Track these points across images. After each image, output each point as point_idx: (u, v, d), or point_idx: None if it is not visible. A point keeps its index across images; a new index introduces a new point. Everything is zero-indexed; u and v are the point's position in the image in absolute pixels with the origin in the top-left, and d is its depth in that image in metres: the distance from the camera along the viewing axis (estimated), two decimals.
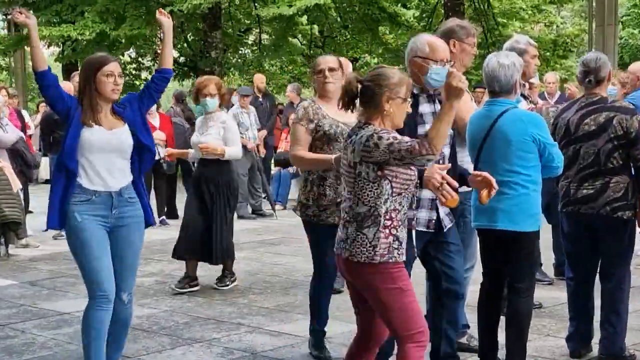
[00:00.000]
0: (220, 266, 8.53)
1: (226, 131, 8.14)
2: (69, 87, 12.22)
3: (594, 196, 5.63)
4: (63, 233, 11.49)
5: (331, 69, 5.84)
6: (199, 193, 8.29)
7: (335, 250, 4.15)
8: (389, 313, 4.04)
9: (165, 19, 5.48)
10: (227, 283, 8.42)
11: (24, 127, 13.30)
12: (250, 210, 14.35)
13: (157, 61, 13.16)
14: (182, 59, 24.27)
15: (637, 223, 5.75)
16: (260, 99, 15.21)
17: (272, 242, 11.64)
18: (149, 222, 5.42)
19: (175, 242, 8.46)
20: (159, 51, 24.27)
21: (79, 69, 5.17)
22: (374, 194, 3.92)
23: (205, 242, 8.19)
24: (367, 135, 3.86)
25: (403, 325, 4.01)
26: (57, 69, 29.47)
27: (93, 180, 5.00)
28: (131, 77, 25.36)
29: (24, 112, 15.09)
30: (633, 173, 5.66)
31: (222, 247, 8.21)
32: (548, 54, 19.23)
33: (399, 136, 3.88)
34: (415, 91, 4.59)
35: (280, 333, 6.66)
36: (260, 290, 8.36)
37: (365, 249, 3.95)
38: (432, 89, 4.76)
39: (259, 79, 14.90)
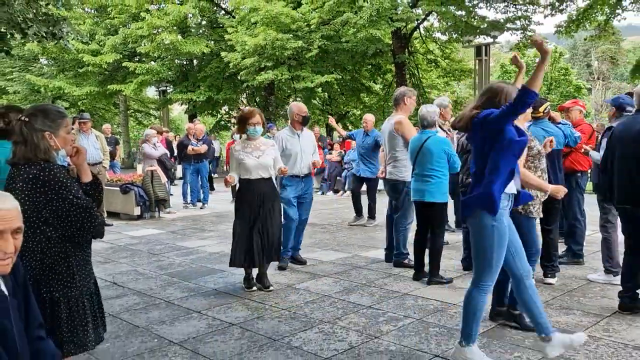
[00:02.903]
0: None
1: (277, 153, 5.44)
2: (201, 127, 12.22)
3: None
4: (189, 205, 11.57)
5: None
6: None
7: None
8: None
9: None
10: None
11: (170, 148, 13.44)
12: None
13: (237, 112, 12.94)
14: None
15: None
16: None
17: None
18: None
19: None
20: (241, 107, 24.24)
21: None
22: None
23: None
24: None
25: None
26: (184, 117, 29.62)
27: None
28: (226, 121, 25.36)
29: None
30: None
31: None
32: (453, 108, 19.14)
33: None
34: None
35: (308, 258, 6.59)
36: None
37: None
38: None
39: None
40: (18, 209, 1.86)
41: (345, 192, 13.21)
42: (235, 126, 13.22)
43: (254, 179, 5.16)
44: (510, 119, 3.15)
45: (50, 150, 2.51)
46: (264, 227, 5.12)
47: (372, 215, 9.22)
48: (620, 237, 5.39)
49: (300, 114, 6.20)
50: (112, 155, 12.17)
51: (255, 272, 5.41)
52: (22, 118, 2.52)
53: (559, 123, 5.45)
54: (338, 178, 14.10)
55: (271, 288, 5.29)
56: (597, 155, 5.22)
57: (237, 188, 5.48)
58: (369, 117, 9.34)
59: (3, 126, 3.29)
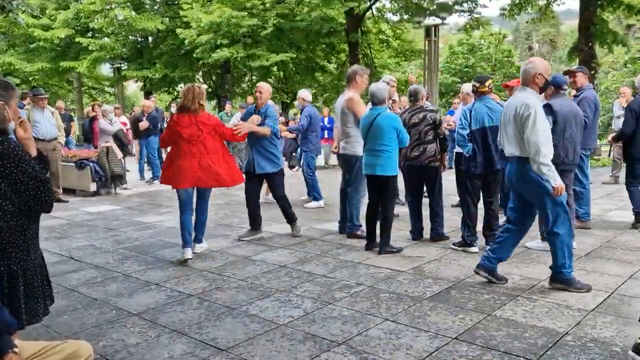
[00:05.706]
0: None
1: None
2: (149, 103, 11.87)
3: (418, 156, 5.81)
4: (147, 181, 11.32)
5: None
6: None
7: None
8: None
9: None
10: None
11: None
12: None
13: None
14: (209, 89, 23.84)
15: (441, 168, 5.96)
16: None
17: None
18: None
19: None
20: (196, 84, 23.57)
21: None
22: None
23: None
24: None
25: None
26: (140, 94, 28.72)
27: None
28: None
29: (124, 117, 14.56)
30: (438, 143, 5.86)
31: None
32: (402, 87, 19.27)
33: None
34: None
35: (265, 231, 6.60)
36: None
37: None
38: None
39: (250, 100, 14.57)
40: None
41: (301, 167, 13.16)
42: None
43: None
44: None
45: (5, 121, 2.40)
46: None
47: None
48: None
49: (545, 74, 4.13)
50: (67, 132, 11.76)
51: None
52: None
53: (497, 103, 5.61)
54: (293, 154, 14.07)
55: None
56: None
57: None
58: (264, 87, 6.20)
59: None
